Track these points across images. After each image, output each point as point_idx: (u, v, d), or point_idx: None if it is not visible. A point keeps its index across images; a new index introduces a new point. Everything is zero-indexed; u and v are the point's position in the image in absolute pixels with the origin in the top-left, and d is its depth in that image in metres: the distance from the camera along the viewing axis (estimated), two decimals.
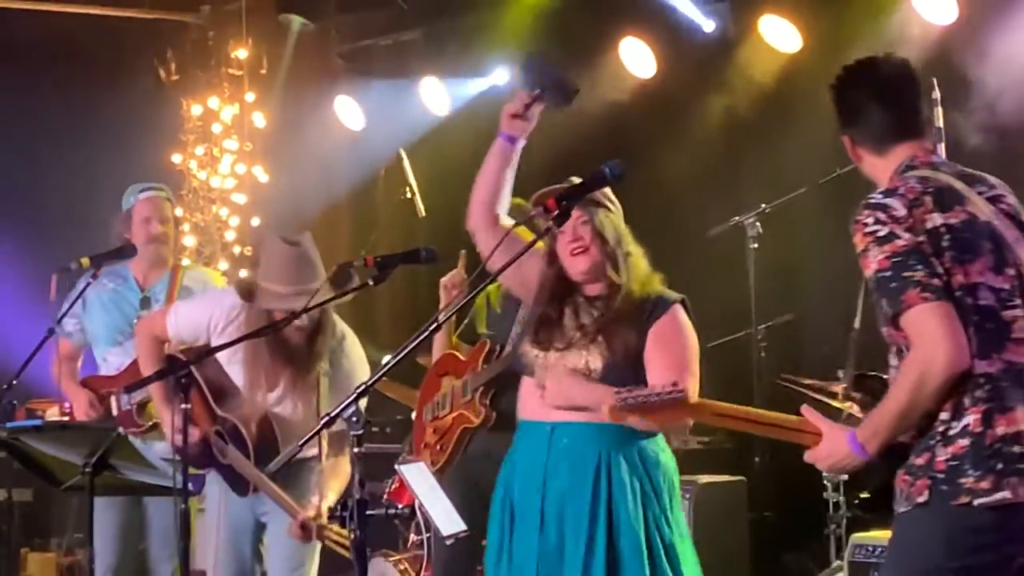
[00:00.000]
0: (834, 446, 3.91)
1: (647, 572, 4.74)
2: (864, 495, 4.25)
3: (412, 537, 7.17)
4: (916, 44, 7.29)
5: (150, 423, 6.43)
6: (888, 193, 4.01)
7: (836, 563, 6.54)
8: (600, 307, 4.89)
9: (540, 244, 4.78)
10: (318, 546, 5.99)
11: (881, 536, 6.09)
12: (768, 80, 8.16)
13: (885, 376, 4.10)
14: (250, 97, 10.25)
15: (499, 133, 5.00)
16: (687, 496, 7.32)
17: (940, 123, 6.43)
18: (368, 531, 4.17)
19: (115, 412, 6.59)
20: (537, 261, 4.95)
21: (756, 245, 7.20)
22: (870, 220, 3.95)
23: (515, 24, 8.75)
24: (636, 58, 8.55)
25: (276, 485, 5.61)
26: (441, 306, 6.05)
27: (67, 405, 7.17)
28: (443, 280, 6.30)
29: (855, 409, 5.39)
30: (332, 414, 4.19)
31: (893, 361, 4.04)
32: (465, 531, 5.08)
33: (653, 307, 4.88)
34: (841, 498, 6.85)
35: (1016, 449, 3.86)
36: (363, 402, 6.00)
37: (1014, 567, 3.95)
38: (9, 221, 9.33)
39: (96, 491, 5.29)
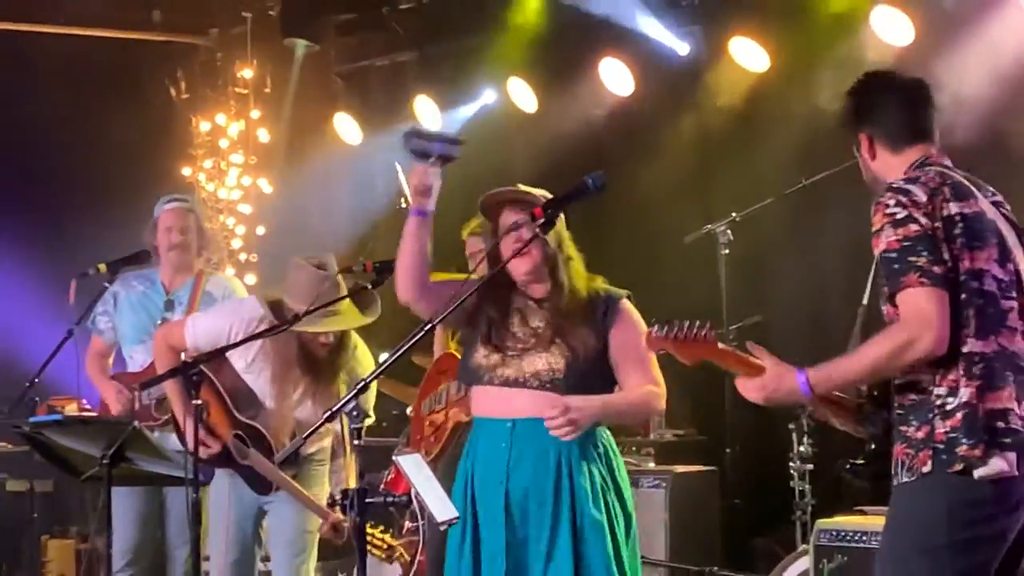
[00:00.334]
0: (780, 380, 3.94)
1: (611, 556, 4.70)
2: (859, 461, 4.24)
3: (407, 524, 7.17)
4: (875, 64, 7.32)
5: (165, 417, 6.45)
6: (910, 180, 4.05)
7: (802, 547, 6.53)
8: (548, 308, 4.82)
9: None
10: (317, 531, 6.01)
11: (844, 521, 6.11)
12: (738, 98, 8.16)
13: None
14: (255, 114, 10.26)
15: (410, 211, 4.81)
16: (663, 485, 7.34)
17: None
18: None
19: (137, 406, 6.61)
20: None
21: (727, 251, 7.20)
22: (891, 202, 3.98)
23: (503, 47, 8.76)
24: (615, 77, 8.55)
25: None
26: None
27: (85, 401, 7.19)
28: None
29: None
30: (334, 409, 4.21)
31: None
32: (458, 517, 5.09)
33: (605, 306, 4.83)
34: (807, 486, 6.84)
35: (1000, 424, 3.92)
36: (372, 398, 6.08)
37: (1006, 542, 3.99)
38: (28, 229, 9.31)
39: (113, 481, 5.29)
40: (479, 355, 4.85)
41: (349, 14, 9.59)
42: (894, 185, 4.02)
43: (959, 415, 3.91)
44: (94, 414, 6.84)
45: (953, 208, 4.01)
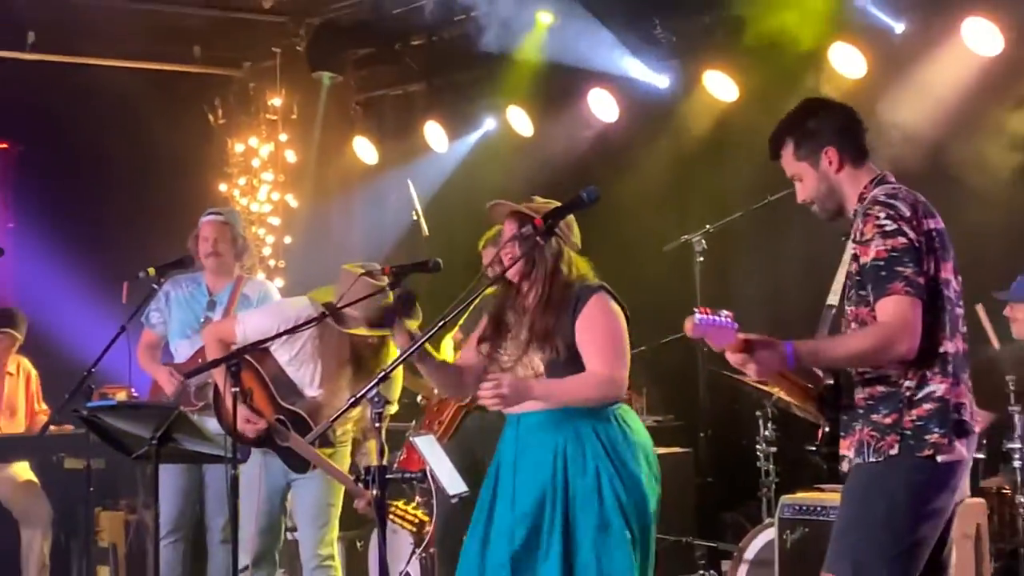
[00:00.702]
0: (772, 346, 3.87)
1: (596, 536, 4.57)
2: (824, 448, 4.23)
3: (418, 499, 7.18)
4: (834, 93, 7.32)
5: (203, 403, 6.46)
6: (892, 196, 4.05)
7: (767, 520, 6.54)
8: (535, 313, 4.72)
9: None
10: (339, 504, 6.02)
11: (805, 497, 6.13)
12: (710, 124, 8.17)
13: None
14: (283, 137, 10.25)
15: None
16: None
17: None
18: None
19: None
20: None
21: (702, 259, 7.22)
22: (882, 215, 3.98)
23: (503, 78, 8.77)
24: (601, 106, 8.56)
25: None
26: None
27: (134, 390, 7.20)
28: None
29: (783, 393, 5.39)
30: (356, 397, 4.22)
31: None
32: (467, 491, 5.11)
33: (577, 298, 4.68)
34: (771, 466, 6.85)
35: (960, 416, 3.98)
36: (397, 391, 6.06)
37: (948, 519, 4.04)
38: (84, 240, 9.31)
39: (160, 459, 5.32)
40: (494, 355, 4.82)
41: (367, 49, 9.59)
42: (881, 200, 4.02)
43: (927, 406, 3.95)
44: (143, 400, 6.85)
45: (931, 223, 4.04)
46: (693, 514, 7.58)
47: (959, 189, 6.86)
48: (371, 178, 10.10)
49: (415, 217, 7.85)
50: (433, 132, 9.53)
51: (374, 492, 4.10)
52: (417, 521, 6.14)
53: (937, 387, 3.96)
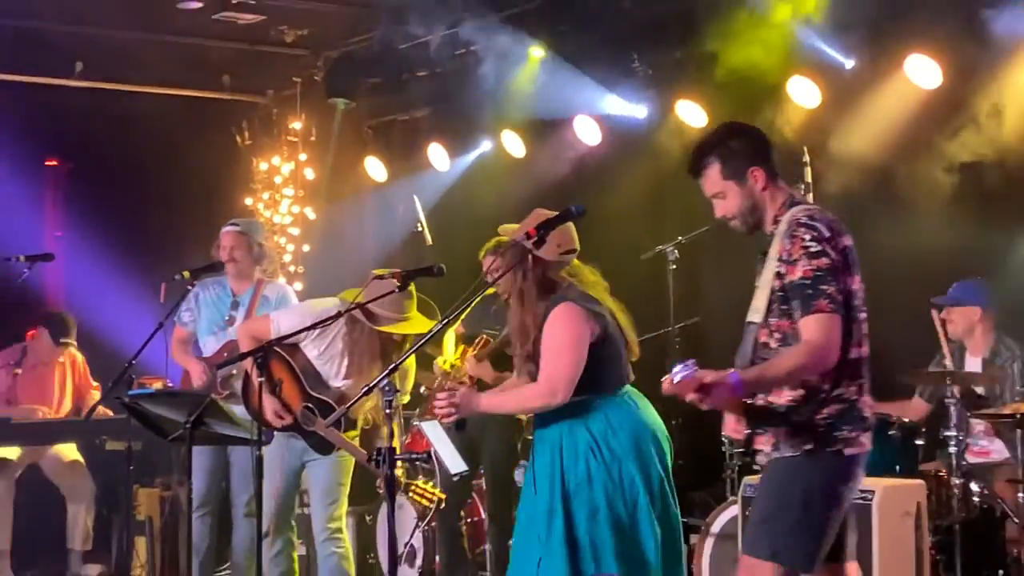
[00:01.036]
0: (722, 377, 3.85)
1: (588, 519, 4.55)
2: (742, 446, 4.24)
3: (421, 477, 7.21)
4: (791, 121, 7.38)
5: (227, 392, 6.48)
6: (812, 217, 4.02)
7: (731, 498, 6.57)
8: (518, 322, 4.73)
9: None
10: (348, 483, 6.03)
11: None
12: (682, 147, 8.15)
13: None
14: (303, 157, 10.26)
15: None
16: None
17: (809, 179, 6.50)
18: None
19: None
20: None
21: (674, 266, 7.22)
22: (807, 237, 3.95)
23: (498, 105, 8.78)
24: (586, 131, 8.58)
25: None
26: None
27: (169, 381, 7.21)
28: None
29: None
30: (371, 385, 4.25)
31: (773, 344, 4.05)
32: (466, 470, 5.13)
33: (546, 311, 4.64)
34: (734, 451, 6.88)
35: (863, 414, 4.00)
36: (411, 382, 6.05)
37: (847, 507, 4.05)
38: (125, 246, 9.32)
39: (193, 441, 5.33)
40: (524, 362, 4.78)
41: (378, 79, 9.60)
42: (803, 222, 3.97)
43: (838, 406, 3.95)
44: (178, 388, 6.87)
45: (846, 241, 4.02)
46: None
47: (904, 208, 6.91)
48: (380, 193, 10.11)
49: (420, 228, 7.90)
50: (436, 153, 9.55)
51: (385, 471, 4.13)
52: (435, 498, 6.15)
53: (847, 390, 3.97)
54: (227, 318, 6.77)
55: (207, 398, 5.34)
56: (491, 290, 4.84)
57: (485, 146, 9.36)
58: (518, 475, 6.90)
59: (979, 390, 6.30)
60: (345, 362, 5.82)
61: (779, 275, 3.99)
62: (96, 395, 8.07)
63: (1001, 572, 5.94)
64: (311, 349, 5.86)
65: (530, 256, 4.62)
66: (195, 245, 7.33)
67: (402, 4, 8.03)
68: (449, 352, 6.82)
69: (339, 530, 6.02)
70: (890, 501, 5.48)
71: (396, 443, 4.20)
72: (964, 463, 5.94)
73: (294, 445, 5.98)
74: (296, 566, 6.33)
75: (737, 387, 3.87)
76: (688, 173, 4.28)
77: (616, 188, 8.13)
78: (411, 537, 7.24)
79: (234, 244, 6.78)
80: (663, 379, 3.88)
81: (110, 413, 7.69)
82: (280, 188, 10.26)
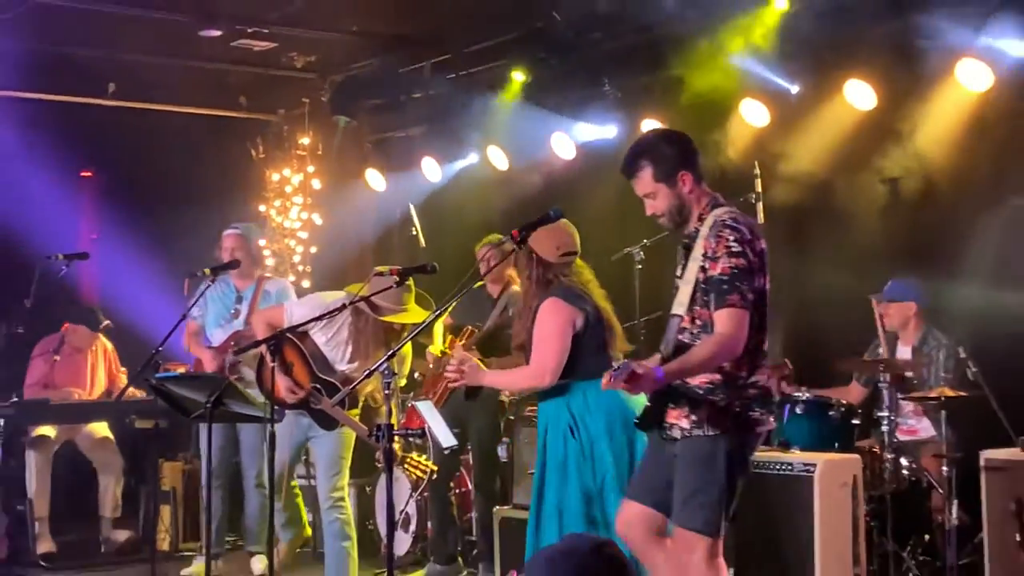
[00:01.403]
0: (648, 371, 3.84)
1: (558, 483, 4.61)
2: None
3: (415, 452, 7.18)
4: (744, 139, 7.38)
5: (235, 376, 6.44)
6: (736, 219, 4.02)
7: None
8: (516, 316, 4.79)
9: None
10: (349, 456, 6.01)
11: None
12: None
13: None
14: (311, 169, 10.21)
15: None
16: None
17: (759, 190, 6.50)
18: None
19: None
20: None
21: (640, 266, 7.22)
22: (731, 238, 3.95)
23: (486, 122, 8.76)
24: (562, 147, 8.56)
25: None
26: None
27: (190, 367, 7.19)
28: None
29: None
30: (372, 369, 4.22)
31: (694, 330, 4.03)
32: (456, 444, 5.11)
33: (538, 305, 4.67)
34: None
35: (768, 397, 4.07)
36: (407, 368, 6.02)
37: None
38: (152, 247, 9.25)
39: (212, 420, 5.29)
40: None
41: (377, 100, 9.57)
42: (728, 223, 3.95)
43: (752, 391, 3.97)
44: (200, 372, 6.85)
45: (761, 244, 4.02)
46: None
47: (843, 216, 6.92)
48: (379, 201, 10.06)
49: (415, 231, 7.87)
50: (428, 165, 9.52)
51: (384, 445, 4.12)
52: (428, 470, 6.13)
53: (760, 377, 3.99)
54: (232, 311, 6.77)
55: (225, 380, 5.31)
56: (478, 284, 4.85)
57: (472, 158, 9.33)
58: (501, 451, 6.90)
59: (909, 375, 6.30)
60: (350, 348, 5.79)
61: (703, 269, 3.98)
62: (124, 379, 8.05)
63: (927, 536, 5.96)
64: (320, 336, 5.82)
65: (534, 258, 4.68)
66: (214, 246, 7.27)
67: (400, 34, 8.02)
68: (439, 341, 6.79)
69: (342, 499, 5.99)
70: (830, 474, 5.47)
71: (394, 420, 4.20)
72: (895, 440, 5.94)
73: (301, 422, 5.96)
74: (303, 512, 6.42)
75: (660, 380, 3.88)
76: (622, 173, 4.24)
77: (588, 197, 8.11)
78: (406, 505, 7.22)
79: (235, 245, 6.82)
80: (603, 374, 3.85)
81: (138, 394, 7.65)
82: (290, 196, 10.21)
